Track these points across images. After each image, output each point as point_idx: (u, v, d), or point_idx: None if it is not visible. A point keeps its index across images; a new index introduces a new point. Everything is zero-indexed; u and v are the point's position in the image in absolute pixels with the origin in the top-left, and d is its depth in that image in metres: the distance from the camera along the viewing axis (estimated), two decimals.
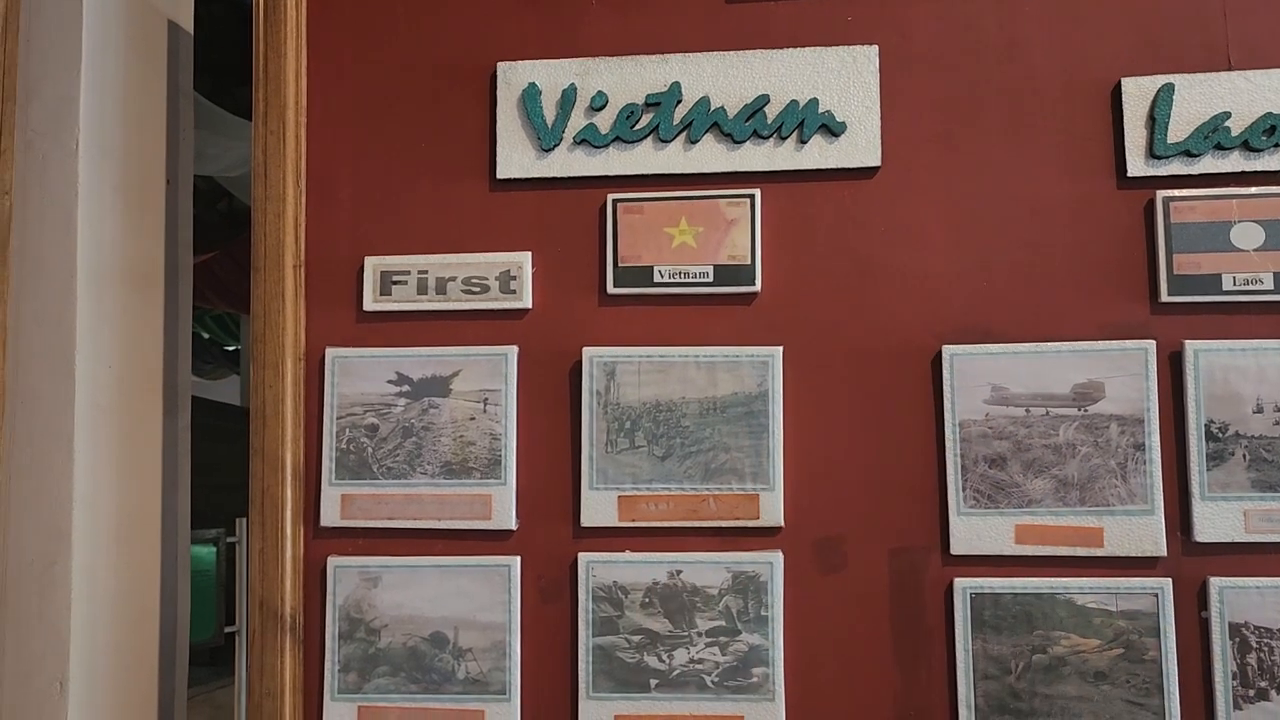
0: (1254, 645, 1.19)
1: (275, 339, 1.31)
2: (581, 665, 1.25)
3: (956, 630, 1.23)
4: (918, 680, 1.23)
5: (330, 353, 1.33)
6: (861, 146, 1.29)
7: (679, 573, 1.26)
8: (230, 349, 7.89)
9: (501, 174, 1.33)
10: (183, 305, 1.54)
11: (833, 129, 1.29)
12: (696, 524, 1.26)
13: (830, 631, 1.24)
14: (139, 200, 1.46)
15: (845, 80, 1.29)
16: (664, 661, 1.25)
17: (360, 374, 1.32)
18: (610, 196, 1.31)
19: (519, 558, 1.28)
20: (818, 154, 1.29)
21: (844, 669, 1.24)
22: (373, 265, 1.33)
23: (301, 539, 1.30)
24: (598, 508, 1.27)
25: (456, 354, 1.31)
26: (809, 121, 1.29)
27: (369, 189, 1.35)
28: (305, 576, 1.30)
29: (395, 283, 1.33)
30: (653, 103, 1.31)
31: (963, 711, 1.21)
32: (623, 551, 1.27)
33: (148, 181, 1.48)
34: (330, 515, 1.30)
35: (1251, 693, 1.19)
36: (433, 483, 1.29)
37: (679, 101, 1.31)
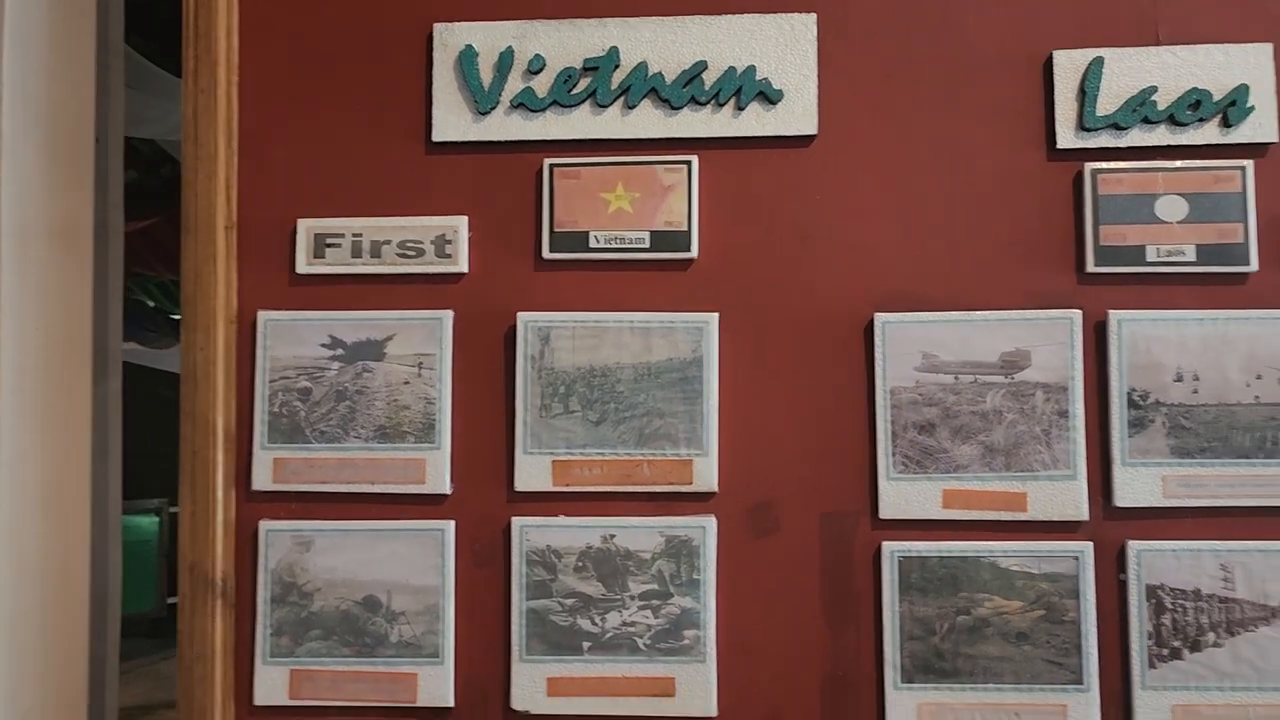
0: (1169, 606, 1.23)
1: (206, 301, 1.29)
2: (515, 628, 1.26)
3: (884, 593, 1.25)
4: (846, 641, 1.25)
5: (262, 315, 1.31)
6: (798, 114, 1.29)
7: (612, 537, 1.26)
8: (176, 317, 7.76)
9: (437, 136, 1.31)
10: (113, 268, 1.51)
11: (770, 96, 1.29)
12: (630, 489, 1.27)
13: (762, 594, 1.26)
14: (66, 157, 1.42)
15: (783, 48, 1.29)
16: (597, 624, 1.26)
17: (293, 337, 1.30)
18: (547, 161, 1.31)
19: (453, 522, 1.28)
20: (755, 121, 1.30)
21: (775, 631, 1.26)
22: (306, 228, 1.31)
23: (233, 503, 1.29)
24: (532, 472, 1.27)
25: (391, 318, 1.30)
26: (746, 88, 1.29)
27: (303, 150, 1.33)
28: (237, 540, 1.29)
29: (329, 245, 1.31)
30: (590, 67, 1.30)
31: (888, 671, 1.24)
32: (556, 516, 1.27)
33: (75, 138, 1.44)
34: (262, 479, 1.29)
35: (1165, 652, 1.23)
36: (366, 447, 1.29)
37: (617, 66, 1.30)
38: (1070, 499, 1.24)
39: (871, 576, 1.26)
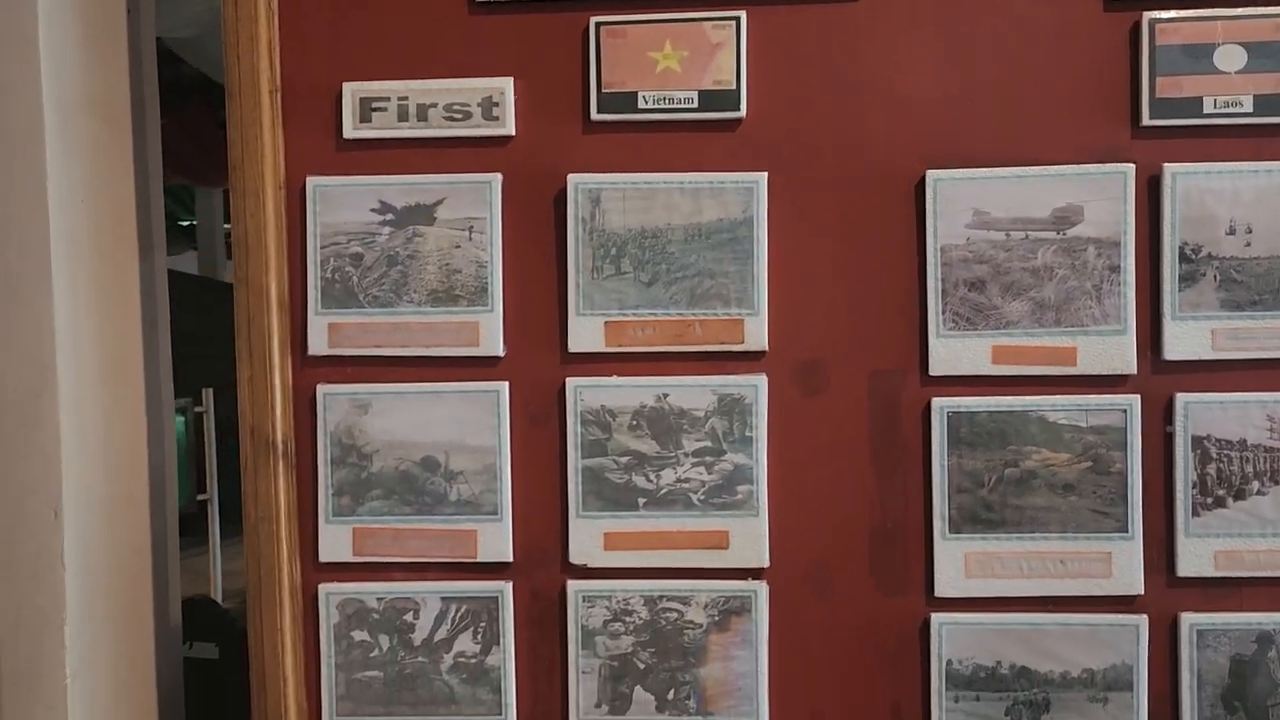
0: (1214, 456, 1.25)
1: (254, 167, 1.29)
2: (571, 486, 1.29)
3: (933, 447, 1.27)
4: (894, 495, 1.28)
5: (311, 181, 1.31)
6: None
7: (666, 396, 1.28)
8: (185, 224, 7.72)
9: None
10: (151, 139, 1.51)
11: None
12: (682, 349, 1.28)
13: (812, 450, 1.28)
14: (99, 25, 1.41)
15: None
16: (652, 481, 1.28)
17: (342, 202, 1.30)
18: (593, 19, 1.28)
19: (507, 383, 1.30)
20: None
21: (825, 485, 1.28)
22: (351, 91, 1.30)
23: (289, 368, 1.31)
24: (584, 333, 1.29)
25: (440, 182, 1.30)
26: None
27: (344, 10, 1.31)
28: (295, 404, 1.31)
29: (375, 109, 1.30)
30: None
31: (937, 523, 1.27)
32: (610, 376, 1.29)
33: (107, 6, 1.42)
34: (318, 344, 1.31)
35: (1210, 500, 1.25)
36: (419, 311, 1.30)
37: None
38: (1119, 353, 1.25)
39: (920, 432, 1.28)
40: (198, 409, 4.51)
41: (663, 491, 1.28)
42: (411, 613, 1.30)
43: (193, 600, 2.19)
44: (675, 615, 1.28)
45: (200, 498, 4.47)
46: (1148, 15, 1.24)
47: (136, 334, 1.46)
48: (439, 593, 1.30)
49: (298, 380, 1.31)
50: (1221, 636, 1.25)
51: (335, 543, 1.31)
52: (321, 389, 1.31)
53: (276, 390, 1.29)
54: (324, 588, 1.31)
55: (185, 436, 4.91)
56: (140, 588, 1.46)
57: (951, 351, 1.27)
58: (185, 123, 4.08)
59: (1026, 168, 1.26)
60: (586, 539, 1.29)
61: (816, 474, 1.28)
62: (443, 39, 1.31)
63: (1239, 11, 1.24)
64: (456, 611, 1.30)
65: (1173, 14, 1.24)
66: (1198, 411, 1.25)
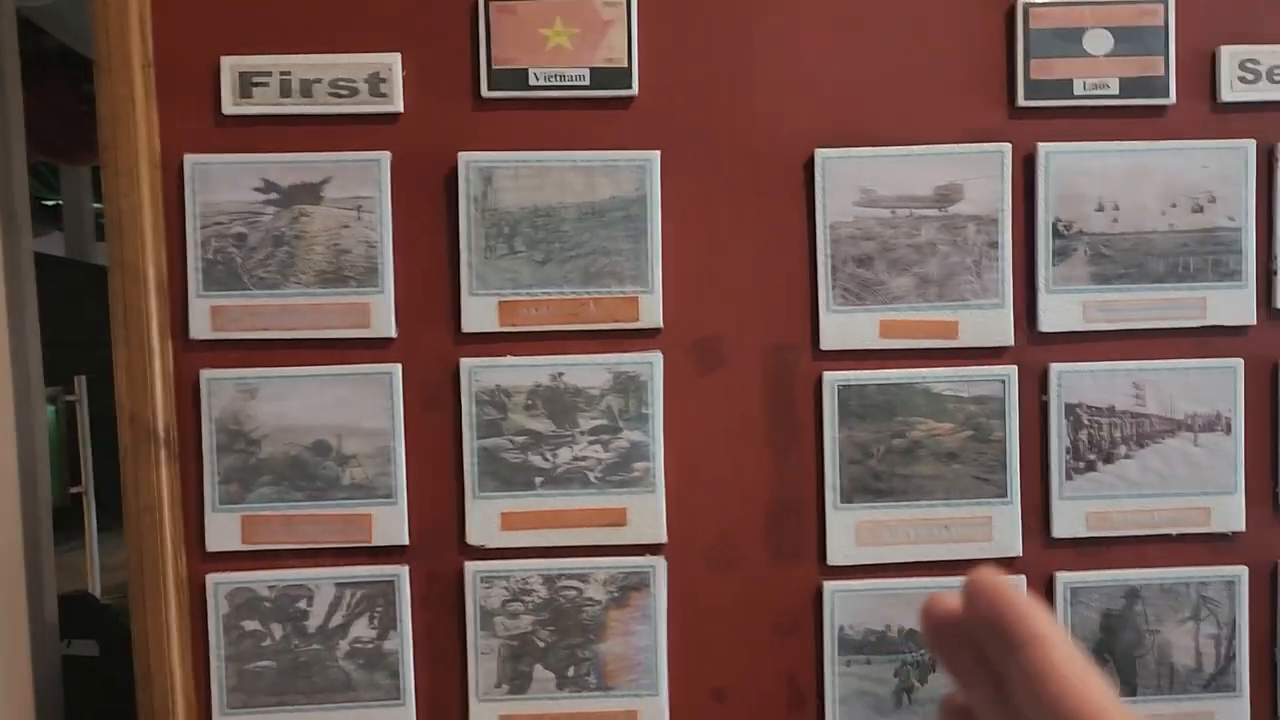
0: (1085, 423, 1.31)
1: (128, 145, 1.23)
2: (467, 467, 1.28)
3: (825, 420, 1.30)
4: (789, 468, 1.31)
5: (189, 159, 1.26)
6: None
7: (561, 375, 1.28)
8: (50, 204, 7.33)
9: None
10: (12, 115, 1.43)
11: None
12: (577, 327, 1.28)
13: (708, 426, 1.30)
14: None
15: None
16: (548, 460, 1.28)
17: (224, 181, 1.26)
18: None
19: (400, 365, 1.28)
20: None
21: (721, 460, 1.30)
22: (230, 65, 1.26)
23: (170, 353, 1.26)
24: (478, 313, 1.28)
25: (326, 160, 1.26)
26: None
27: None
28: (177, 390, 1.26)
29: (256, 84, 1.26)
30: None
31: (829, 494, 1.30)
32: (504, 356, 1.28)
33: None
34: (200, 328, 1.26)
35: (1082, 464, 1.32)
36: (308, 292, 1.27)
37: None
38: (998, 326, 1.31)
39: (813, 406, 1.31)
40: (69, 398, 4.31)
41: (560, 470, 1.28)
42: (305, 600, 1.27)
43: (70, 596, 2.10)
44: (574, 593, 1.29)
45: (74, 490, 4.27)
46: (1021, 0, 1.29)
47: (1, 320, 1.39)
48: (333, 579, 1.28)
49: (179, 365, 1.27)
50: (1093, 593, 1.32)
51: (222, 531, 1.27)
52: (205, 374, 1.26)
53: (156, 376, 1.24)
54: (212, 578, 1.27)
55: (57, 427, 4.68)
56: (12, 586, 1.39)
57: (841, 327, 1.30)
58: (47, 97, 3.87)
59: (910, 147, 1.29)
60: (483, 520, 1.28)
61: (713, 449, 1.30)
62: (327, 12, 1.27)
63: None
64: (352, 597, 1.28)
65: None
66: (1070, 380, 1.31)
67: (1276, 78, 1.30)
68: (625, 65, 1.27)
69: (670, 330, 1.29)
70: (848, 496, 1.31)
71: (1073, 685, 0.41)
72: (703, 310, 1.30)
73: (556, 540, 1.29)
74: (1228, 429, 1.32)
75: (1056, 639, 0.43)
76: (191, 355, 1.27)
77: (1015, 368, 1.31)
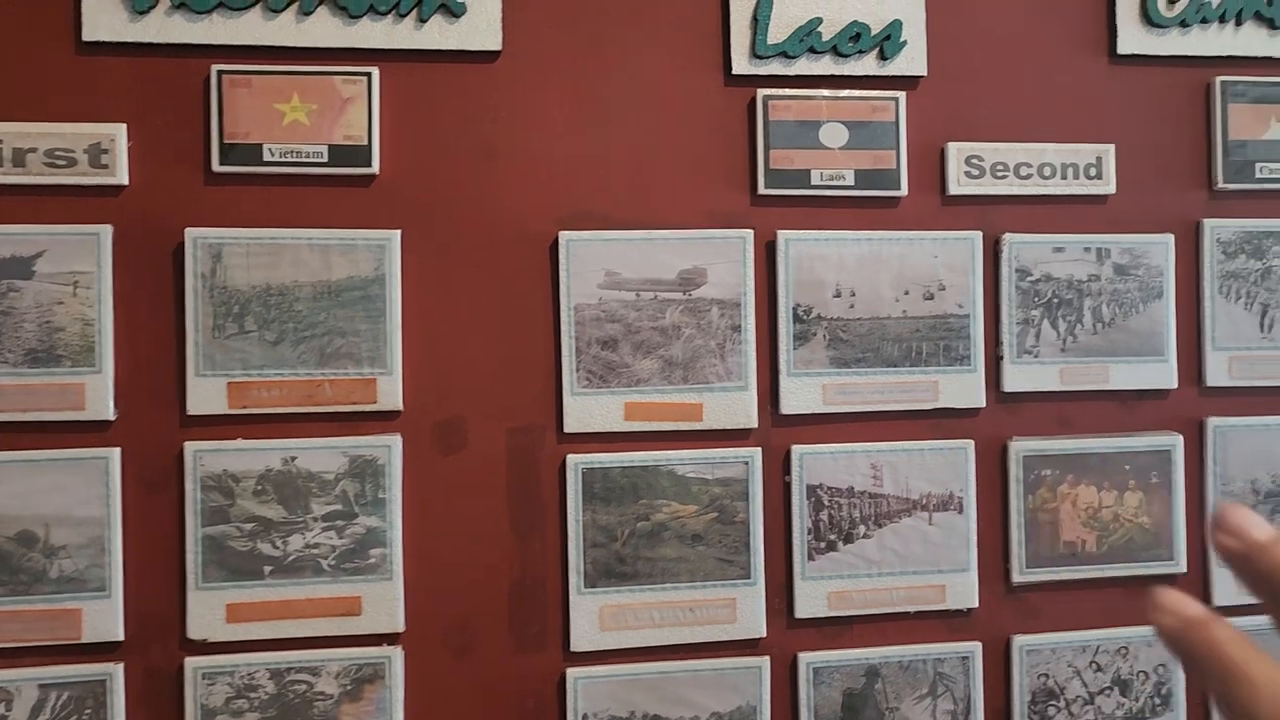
0: (826, 503, 1.34)
1: None
2: (190, 556, 1.22)
3: (569, 503, 1.29)
4: (532, 551, 1.29)
5: None
6: (481, 29, 1.28)
7: (294, 459, 1.24)
8: None
9: (88, 36, 1.21)
10: None
11: (452, 9, 1.27)
12: (312, 409, 1.24)
13: (449, 510, 1.28)
14: None
15: None
16: (278, 548, 1.23)
17: None
18: (215, 67, 1.23)
19: (119, 449, 1.21)
20: (438, 34, 1.27)
21: (463, 545, 1.28)
22: None
23: None
24: (205, 395, 1.22)
25: (40, 233, 1.20)
26: (427, 0, 1.26)
27: None
28: None
29: None
30: None
31: (573, 577, 1.29)
32: (234, 439, 1.23)
33: None
34: None
35: (823, 544, 1.34)
36: (16, 372, 1.19)
37: None
38: (742, 408, 1.32)
39: (557, 488, 1.30)
40: None
41: (290, 558, 1.24)
42: (3, 705, 1.18)
43: None
44: (304, 687, 1.24)
45: None
46: (761, 92, 1.33)
47: None
48: (37, 679, 1.19)
49: None
50: (835, 673, 1.34)
51: None
52: None
53: None
54: None
55: None
56: None
57: (585, 409, 1.30)
58: None
59: (655, 231, 1.31)
60: (207, 612, 1.22)
61: (454, 534, 1.28)
62: (46, 80, 1.21)
63: (841, 93, 1.35)
64: (58, 699, 1.19)
65: (783, 91, 1.33)
66: (811, 462, 1.34)
67: (999, 173, 1.37)
68: (365, 143, 1.26)
69: (410, 412, 1.27)
70: (591, 580, 1.29)
71: None
72: (444, 392, 1.28)
73: (286, 632, 1.24)
74: (960, 508, 1.36)
75: None
76: None
77: (759, 449, 1.33)
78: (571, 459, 1.29)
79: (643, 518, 1.30)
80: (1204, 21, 1.41)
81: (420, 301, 1.27)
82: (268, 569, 1.23)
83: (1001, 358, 1.37)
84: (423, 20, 1.27)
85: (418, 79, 1.28)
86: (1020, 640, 1.37)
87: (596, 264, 1.30)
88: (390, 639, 1.26)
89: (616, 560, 1.30)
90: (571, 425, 1.29)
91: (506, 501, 1.29)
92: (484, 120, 1.29)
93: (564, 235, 1.29)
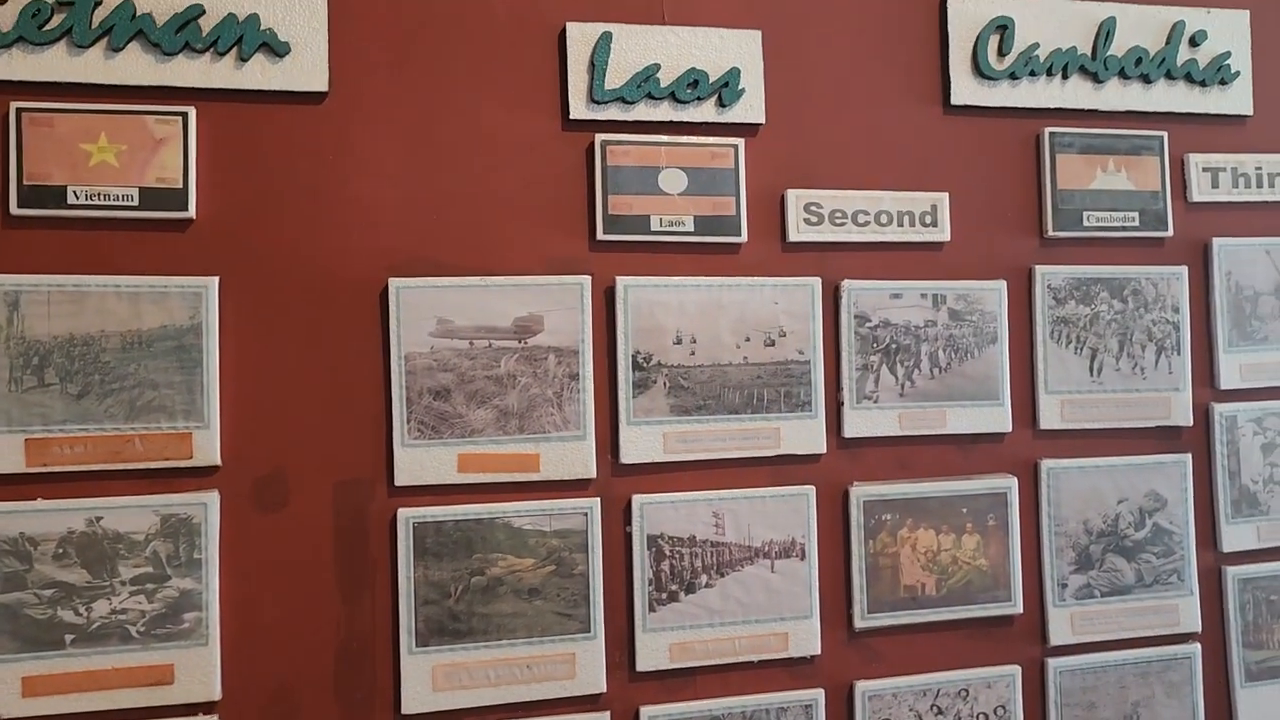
0: (668, 553, 1.32)
1: None
2: None
3: (399, 559, 1.24)
4: (361, 610, 1.24)
5: None
6: (307, 69, 1.24)
7: (99, 519, 1.17)
8: None
9: None
10: None
11: (275, 49, 1.22)
12: (120, 466, 1.17)
13: (271, 569, 1.22)
14: None
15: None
16: (81, 615, 1.16)
17: None
18: (13, 104, 1.16)
19: None
20: (260, 74, 1.23)
21: (286, 605, 1.22)
22: None
23: None
24: (1, 453, 1.14)
25: None
26: (248, 38, 1.21)
27: None
28: None
29: None
30: (66, 1, 1.17)
31: (403, 637, 1.24)
32: (33, 500, 1.15)
33: None
34: None
35: (664, 595, 1.32)
36: None
37: (98, 4, 1.18)
38: (580, 458, 1.30)
39: (387, 544, 1.25)
40: None
41: (95, 626, 1.16)
42: None
43: None
44: None
45: None
46: (600, 137, 1.31)
47: None
48: None
49: None
50: None
51: None
52: None
53: None
54: None
55: None
56: None
57: (417, 461, 1.26)
58: None
59: (489, 277, 1.28)
60: (0, 686, 1.14)
61: (276, 594, 1.22)
62: None
63: (680, 140, 1.34)
64: None
65: (622, 137, 1.32)
66: (652, 511, 1.32)
67: (838, 220, 1.38)
68: (180, 185, 1.20)
69: (229, 467, 1.21)
70: (424, 639, 1.25)
71: None
72: (266, 446, 1.22)
73: (92, 705, 1.16)
74: (802, 555, 1.36)
75: None
76: None
77: (598, 499, 1.30)
78: (403, 513, 1.25)
79: (477, 572, 1.26)
80: (1032, 74, 1.45)
81: (240, 351, 1.21)
82: (69, 638, 1.15)
83: (843, 404, 1.38)
84: (244, 59, 1.22)
85: (239, 119, 1.23)
86: (862, 686, 1.37)
87: (429, 311, 1.26)
88: (206, 708, 1.19)
89: (450, 618, 1.25)
90: (402, 478, 1.25)
91: (333, 558, 1.24)
92: (310, 163, 1.25)
93: (394, 282, 1.25)
